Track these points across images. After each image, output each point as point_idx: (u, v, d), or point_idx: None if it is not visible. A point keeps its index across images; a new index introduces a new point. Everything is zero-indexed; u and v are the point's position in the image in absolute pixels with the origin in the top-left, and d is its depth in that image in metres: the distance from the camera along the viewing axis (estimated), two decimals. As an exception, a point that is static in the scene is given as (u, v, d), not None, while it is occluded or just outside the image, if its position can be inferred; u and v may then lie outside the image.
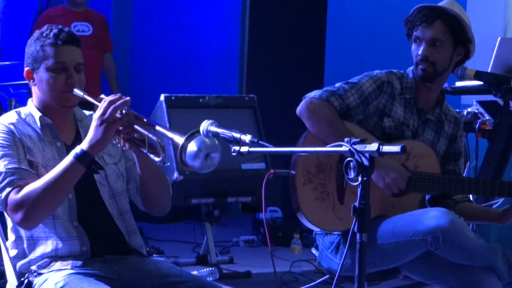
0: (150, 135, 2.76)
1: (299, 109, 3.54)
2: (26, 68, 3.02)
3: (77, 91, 2.94)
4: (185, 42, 8.51)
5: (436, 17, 3.52)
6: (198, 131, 2.63)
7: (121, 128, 2.80)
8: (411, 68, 3.63)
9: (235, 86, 8.15)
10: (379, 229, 3.43)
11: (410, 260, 3.44)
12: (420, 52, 3.54)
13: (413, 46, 3.59)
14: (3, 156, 2.90)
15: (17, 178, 2.86)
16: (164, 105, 5.42)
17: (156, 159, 2.79)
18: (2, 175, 2.87)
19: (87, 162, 2.82)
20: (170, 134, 2.71)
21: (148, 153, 2.81)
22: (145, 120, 2.81)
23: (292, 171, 3.46)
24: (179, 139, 2.64)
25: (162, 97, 5.46)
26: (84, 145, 2.81)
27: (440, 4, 3.59)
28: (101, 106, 2.80)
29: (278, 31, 8.35)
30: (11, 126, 2.96)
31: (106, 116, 2.77)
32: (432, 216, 3.33)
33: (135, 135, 2.81)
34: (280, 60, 8.35)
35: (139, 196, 3.09)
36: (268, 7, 8.29)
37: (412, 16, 3.57)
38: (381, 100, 3.58)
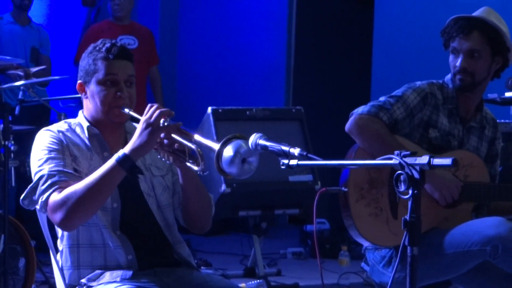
0: (189, 144, 2.75)
1: (348, 126, 3.50)
2: (78, 81, 3.05)
3: (125, 110, 2.96)
4: (232, 55, 8.53)
5: (473, 28, 3.48)
6: (234, 137, 2.60)
7: (165, 141, 2.80)
8: (449, 76, 3.60)
9: (282, 98, 8.15)
10: (435, 241, 3.37)
11: (465, 271, 3.38)
12: (458, 63, 3.52)
13: (451, 57, 3.56)
14: (48, 159, 2.92)
15: (59, 180, 2.88)
16: (211, 118, 5.44)
17: (195, 168, 2.77)
18: (45, 177, 2.88)
19: (128, 166, 2.82)
20: (206, 142, 2.69)
21: (188, 163, 2.80)
22: (185, 130, 2.80)
23: (343, 188, 3.42)
24: (215, 146, 2.61)
25: (209, 109, 5.47)
26: (126, 149, 2.83)
27: (476, 13, 3.55)
28: (148, 110, 2.82)
29: (324, 43, 8.34)
30: (60, 134, 2.99)
31: (152, 120, 2.79)
32: (491, 225, 3.28)
33: (176, 146, 2.81)
34: (326, 72, 8.34)
35: (180, 211, 3.10)
36: (314, 19, 8.28)
37: (449, 27, 3.54)
38: (425, 112, 3.55)
